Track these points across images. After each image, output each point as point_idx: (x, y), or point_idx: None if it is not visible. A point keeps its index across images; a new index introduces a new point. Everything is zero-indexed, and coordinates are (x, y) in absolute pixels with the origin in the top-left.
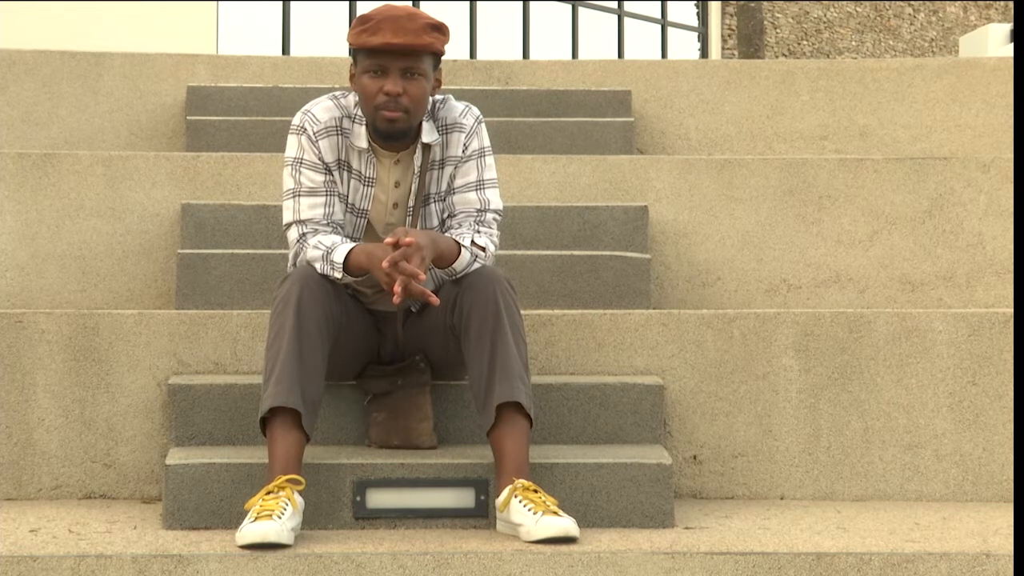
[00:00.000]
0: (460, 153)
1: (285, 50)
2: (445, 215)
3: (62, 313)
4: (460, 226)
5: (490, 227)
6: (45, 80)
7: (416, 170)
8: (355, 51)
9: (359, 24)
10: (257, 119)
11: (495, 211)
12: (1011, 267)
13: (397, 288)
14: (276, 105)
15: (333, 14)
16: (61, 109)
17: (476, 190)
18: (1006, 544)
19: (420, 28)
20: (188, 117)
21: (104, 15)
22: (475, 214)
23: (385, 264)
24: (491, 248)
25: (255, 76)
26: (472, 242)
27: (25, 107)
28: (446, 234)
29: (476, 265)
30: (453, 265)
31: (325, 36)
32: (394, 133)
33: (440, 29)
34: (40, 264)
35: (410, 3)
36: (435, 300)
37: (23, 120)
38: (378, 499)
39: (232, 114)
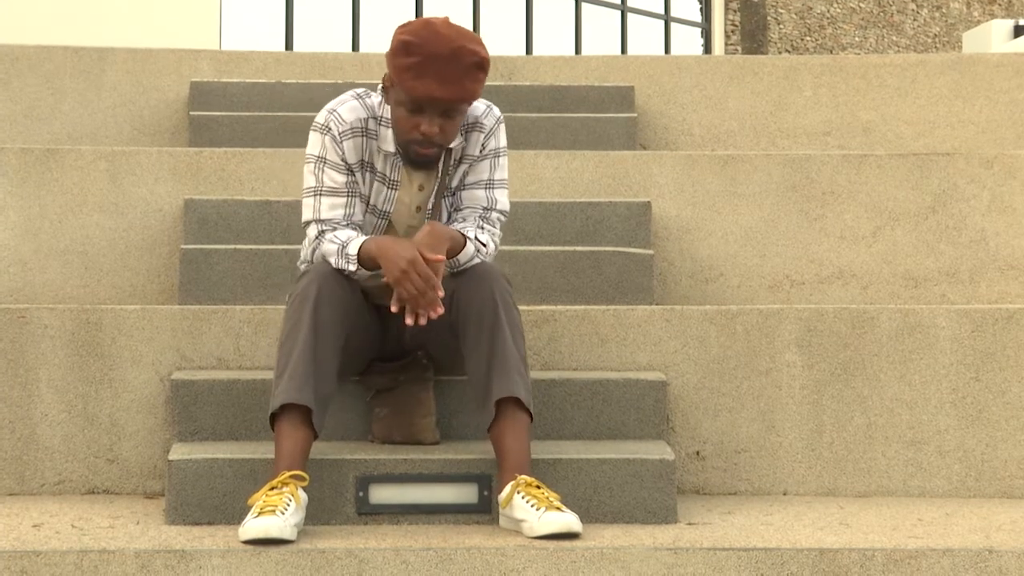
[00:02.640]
0: (477, 153)
1: (288, 45)
2: (452, 208)
3: (65, 308)
4: (465, 220)
5: (493, 225)
6: (48, 75)
7: (439, 174)
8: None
9: (402, 53)
10: (260, 115)
11: (501, 211)
12: (1014, 263)
13: (409, 321)
14: (279, 101)
15: (336, 9)
16: (64, 104)
17: (485, 188)
18: (1009, 540)
19: (465, 73)
20: (191, 112)
21: (107, 10)
22: (480, 211)
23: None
24: (491, 246)
25: (258, 71)
26: (475, 236)
27: (28, 102)
28: (455, 226)
29: (476, 260)
30: (457, 256)
31: (328, 31)
32: (425, 163)
33: (483, 66)
34: (43, 259)
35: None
36: (440, 310)
37: (26, 115)
38: (381, 495)
39: (235, 109)
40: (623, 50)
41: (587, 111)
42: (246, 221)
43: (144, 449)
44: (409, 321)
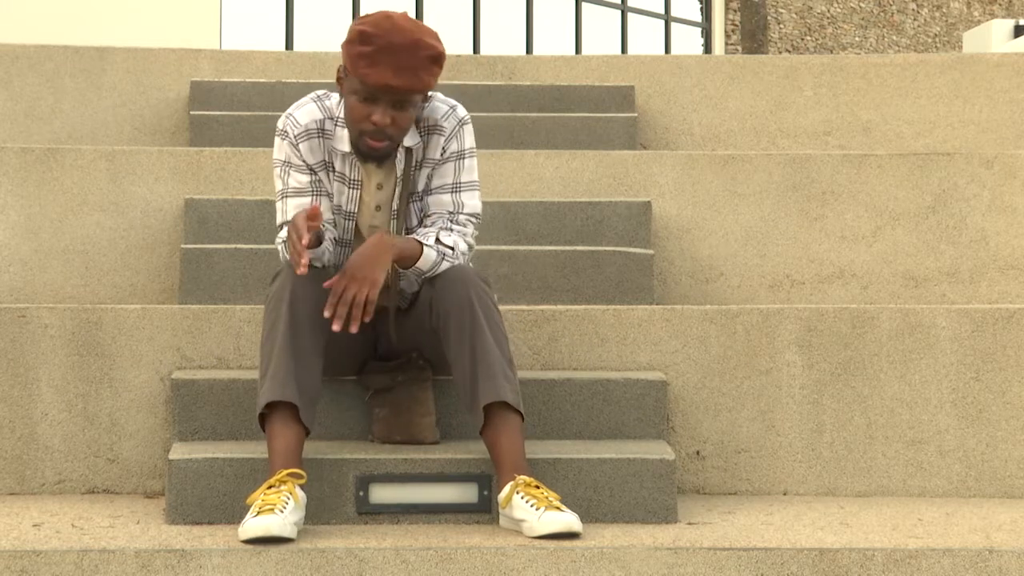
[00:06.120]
0: (438, 156)
1: (288, 45)
2: (422, 214)
3: (65, 308)
4: (431, 225)
5: (463, 227)
6: (48, 75)
7: (399, 173)
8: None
9: (358, 42)
10: (260, 114)
11: (470, 214)
12: (1014, 263)
13: (304, 260)
14: (279, 100)
15: (336, 9)
16: (64, 104)
17: (451, 192)
18: (1009, 540)
19: (420, 64)
20: (191, 112)
21: (107, 9)
22: (447, 215)
23: (302, 241)
24: (462, 247)
25: (258, 71)
26: (437, 240)
27: (28, 102)
28: (416, 232)
29: (445, 265)
30: (418, 264)
31: (328, 31)
32: (376, 158)
33: (438, 60)
34: (43, 259)
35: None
36: (303, 269)
37: (26, 115)
38: (381, 494)
39: (235, 109)
40: (623, 50)
41: (587, 111)
42: (246, 220)
43: (144, 449)
44: (328, 312)
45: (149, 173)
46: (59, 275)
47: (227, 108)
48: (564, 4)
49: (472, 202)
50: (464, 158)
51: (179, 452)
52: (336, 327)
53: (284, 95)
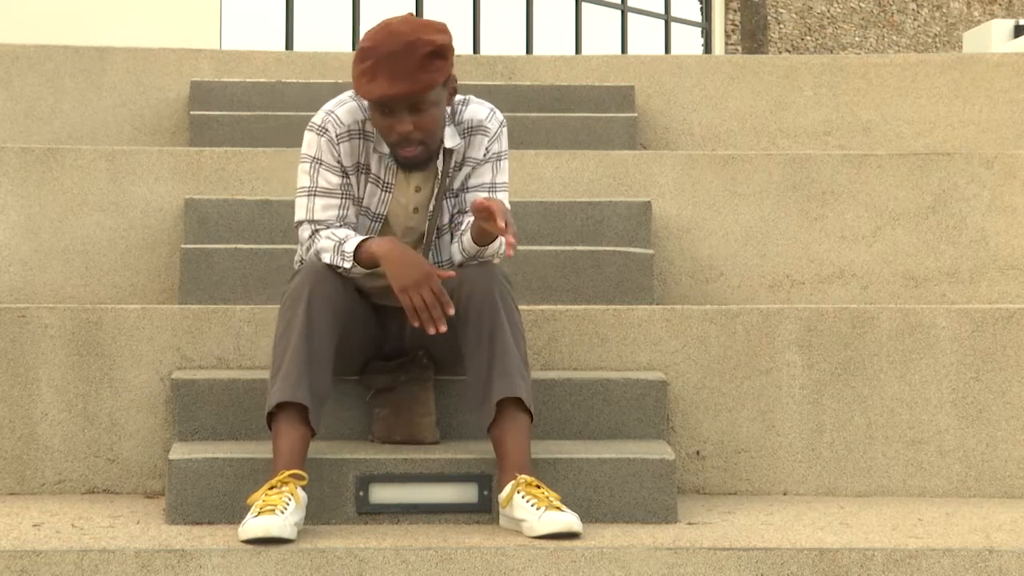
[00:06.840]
0: (481, 156)
1: (288, 45)
2: (455, 211)
3: (65, 308)
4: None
5: None
6: (48, 75)
7: (439, 175)
8: None
9: (359, 60)
10: (260, 114)
11: None
12: (1014, 263)
13: (443, 327)
14: (279, 100)
15: (337, 8)
16: (64, 104)
17: (489, 191)
18: (1009, 540)
19: (418, 64)
20: (191, 112)
21: (107, 10)
22: None
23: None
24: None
25: (258, 71)
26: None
27: (28, 102)
28: (459, 225)
29: (491, 252)
30: (491, 243)
31: (328, 30)
32: (415, 165)
33: (441, 53)
34: (43, 259)
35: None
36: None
37: (26, 115)
38: (381, 494)
39: (235, 109)
40: (623, 50)
41: (588, 111)
42: (246, 220)
43: (144, 448)
44: (423, 328)
45: (149, 173)
46: (59, 275)
47: (227, 108)
48: (564, 4)
49: (505, 202)
50: (501, 159)
51: (179, 452)
52: (439, 329)
53: (284, 95)
